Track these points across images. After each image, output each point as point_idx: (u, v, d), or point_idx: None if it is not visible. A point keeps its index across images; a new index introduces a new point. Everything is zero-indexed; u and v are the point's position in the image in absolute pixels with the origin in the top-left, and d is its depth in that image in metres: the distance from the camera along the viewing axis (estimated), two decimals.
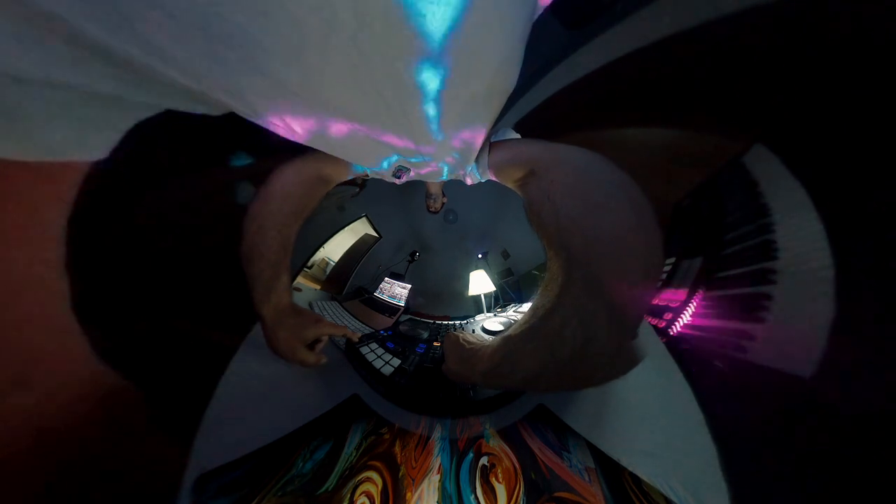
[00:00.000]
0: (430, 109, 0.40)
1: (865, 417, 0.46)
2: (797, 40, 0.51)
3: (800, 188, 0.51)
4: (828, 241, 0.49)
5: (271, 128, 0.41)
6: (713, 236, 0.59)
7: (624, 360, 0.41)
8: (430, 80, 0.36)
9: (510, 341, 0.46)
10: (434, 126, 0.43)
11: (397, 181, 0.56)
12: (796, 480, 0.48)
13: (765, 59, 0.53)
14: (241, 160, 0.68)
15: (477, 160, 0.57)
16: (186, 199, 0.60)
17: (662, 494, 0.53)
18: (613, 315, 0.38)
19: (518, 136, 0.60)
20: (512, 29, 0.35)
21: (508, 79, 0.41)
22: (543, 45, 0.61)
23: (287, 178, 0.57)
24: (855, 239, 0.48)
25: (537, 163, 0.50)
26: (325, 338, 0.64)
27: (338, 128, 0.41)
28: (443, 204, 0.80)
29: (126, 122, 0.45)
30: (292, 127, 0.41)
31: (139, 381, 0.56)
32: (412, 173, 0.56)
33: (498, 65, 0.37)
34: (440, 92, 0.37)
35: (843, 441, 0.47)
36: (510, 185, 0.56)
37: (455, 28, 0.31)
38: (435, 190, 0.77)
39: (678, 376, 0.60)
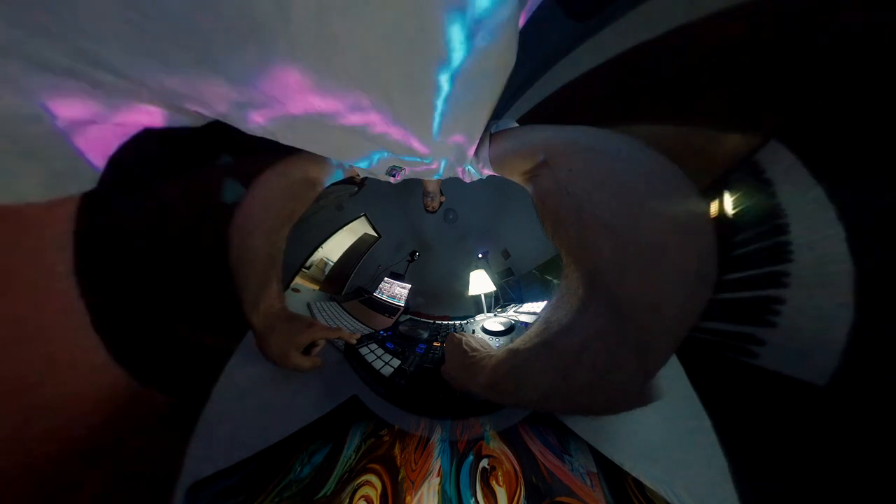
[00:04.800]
0: (441, 106, 0.34)
1: (884, 429, 0.41)
2: (815, 31, 0.46)
3: (817, 187, 0.46)
4: (847, 243, 0.44)
5: (248, 130, 0.35)
6: (724, 237, 0.54)
7: (645, 392, 0.33)
8: (444, 81, 0.31)
9: (517, 355, 0.39)
10: (438, 120, 0.37)
11: (392, 180, 0.51)
12: (809, 492, 0.44)
13: (781, 50, 0.48)
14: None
15: (476, 153, 0.50)
16: (176, 202, 0.55)
17: (667, 501, 0.49)
18: (643, 343, 0.30)
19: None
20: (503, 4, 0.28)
21: (505, 55, 0.33)
22: (549, 38, 0.56)
23: (272, 184, 0.52)
24: (877, 241, 0.43)
25: (549, 149, 0.40)
26: (322, 342, 0.60)
27: (313, 118, 0.35)
28: (441, 203, 0.75)
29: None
30: (264, 126, 0.35)
31: (156, 384, 0.53)
32: (407, 171, 0.51)
33: (493, 46, 0.30)
34: (450, 93, 0.32)
35: (859, 452, 0.43)
36: (516, 179, 0.47)
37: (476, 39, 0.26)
38: (432, 188, 0.72)
39: (684, 380, 0.55)
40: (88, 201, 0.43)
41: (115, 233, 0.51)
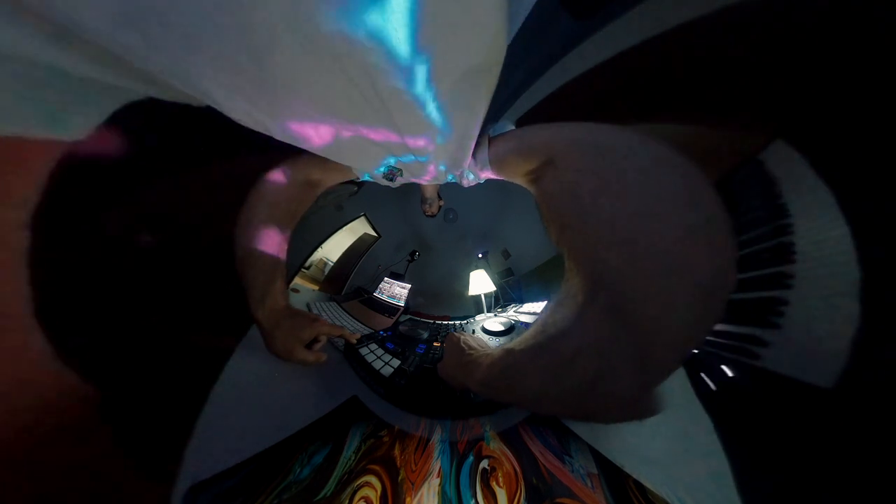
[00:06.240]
0: (423, 95, 0.32)
1: (892, 431, 0.40)
2: (823, 27, 0.45)
3: (823, 187, 0.45)
4: (853, 244, 0.43)
5: (250, 126, 0.34)
6: None
7: (642, 405, 0.32)
8: (415, 73, 0.29)
9: (512, 355, 0.39)
10: (431, 111, 0.35)
11: (391, 184, 0.50)
12: (813, 496, 0.43)
13: (787, 49, 0.46)
14: None
15: (474, 156, 0.49)
16: (174, 196, 0.54)
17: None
18: (644, 356, 0.28)
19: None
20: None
21: (494, 52, 0.30)
22: (549, 37, 0.55)
23: (275, 185, 0.52)
24: (883, 241, 0.42)
25: (554, 148, 0.37)
26: (324, 337, 0.59)
27: (319, 130, 0.34)
28: (440, 207, 0.74)
29: (109, 105, 0.40)
30: (270, 129, 0.34)
31: (113, 389, 0.51)
32: (406, 176, 0.50)
33: (481, 39, 0.28)
34: (429, 78, 0.30)
35: (866, 455, 0.41)
36: (519, 181, 0.45)
37: (418, 27, 0.24)
38: (430, 194, 0.71)
39: (685, 382, 0.54)
40: (61, 174, 0.41)
41: (91, 218, 0.49)
